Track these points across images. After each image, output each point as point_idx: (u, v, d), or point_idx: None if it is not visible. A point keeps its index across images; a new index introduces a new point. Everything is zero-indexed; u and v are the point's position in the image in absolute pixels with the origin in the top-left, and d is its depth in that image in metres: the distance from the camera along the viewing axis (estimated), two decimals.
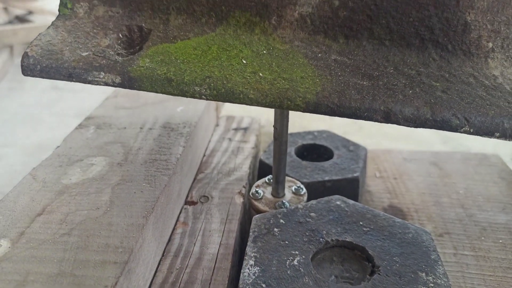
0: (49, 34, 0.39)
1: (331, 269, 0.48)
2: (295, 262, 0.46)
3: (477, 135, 0.36)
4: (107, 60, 0.37)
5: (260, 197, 0.56)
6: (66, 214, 0.45)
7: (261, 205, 0.55)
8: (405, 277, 0.45)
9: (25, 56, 0.38)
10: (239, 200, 0.59)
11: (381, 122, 0.36)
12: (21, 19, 2.94)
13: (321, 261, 0.48)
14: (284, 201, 0.56)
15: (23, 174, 1.39)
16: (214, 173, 0.66)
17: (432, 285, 0.44)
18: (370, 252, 0.48)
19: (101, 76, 0.36)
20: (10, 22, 2.84)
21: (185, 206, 0.58)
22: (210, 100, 0.36)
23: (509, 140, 0.37)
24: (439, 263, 0.47)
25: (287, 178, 0.60)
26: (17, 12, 2.93)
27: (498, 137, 0.37)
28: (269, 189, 0.58)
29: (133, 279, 0.41)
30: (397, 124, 0.36)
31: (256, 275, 0.44)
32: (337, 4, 0.38)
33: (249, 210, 0.59)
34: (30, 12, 3.01)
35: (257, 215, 0.52)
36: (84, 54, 0.37)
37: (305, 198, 0.58)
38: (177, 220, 0.55)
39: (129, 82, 0.36)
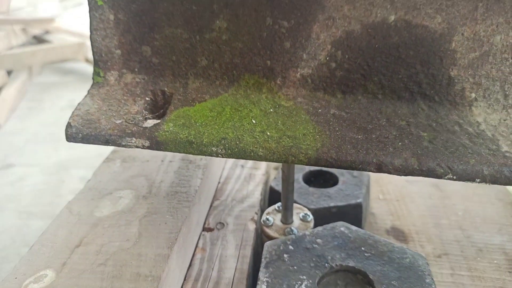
0: (86, 104, 0.45)
1: None
2: (303, 287, 0.51)
3: (460, 181, 0.42)
4: (137, 127, 0.43)
5: (270, 224, 0.62)
6: (101, 246, 0.51)
7: (271, 232, 0.61)
8: None
9: (68, 126, 0.44)
10: (251, 226, 0.65)
11: (374, 172, 0.42)
12: (38, 39, 3.05)
13: (326, 285, 0.54)
14: (292, 227, 0.61)
15: (46, 194, 1.46)
16: (228, 200, 0.72)
17: None
18: (370, 277, 0.53)
19: (133, 141, 0.43)
20: (28, 42, 2.95)
21: (203, 233, 0.64)
22: (225, 158, 0.42)
23: (489, 184, 0.42)
24: (433, 286, 0.52)
25: (295, 205, 0.66)
26: (35, 32, 3.04)
27: (479, 182, 0.42)
28: (279, 216, 0.64)
29: None
30: (388, 173, 0.42)
31: None
32: (334, 66, 0.44)
33: (261, 235, 0.65)
34: (47, 32, 3.11)
35: (268, 242, 0.57)
36: (118, 122, 0.43)
37: (312, 224, 0.64)
38: (196, 246, 0.61)
39: (156, 145, 0.42)
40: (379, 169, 0.41)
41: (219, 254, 0.60)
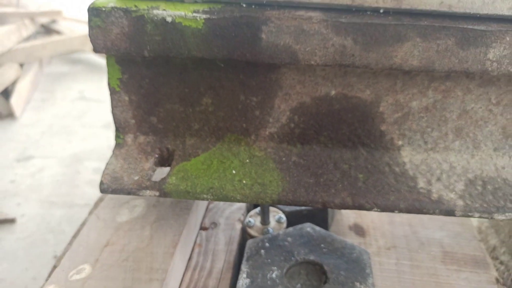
0: (112, 163, 0.61)
1: (298, 279, 0.70)
2: (273, 275, 0.69)
3: (383, 212, 0.58)
4: (150, 181, 0.59)
5: (252, 225, 0.79)
6: (123, 246, 0.68)
7: (252, 232, 0.79)
8: (346, 285, 0.67)
9: (101, 183, 0.60)
10: (238, 226, 0.82)
11: (320, 208, 0.58)
12: (46, 27, 3.18)
13: (292, 274, 0.71)
14: (269, 228, 0.79)
15: (64, 184, 1.65)
16: (220, 203, 0.89)
17: None
18: (325, 268, 0.70)
19: (147, 193, 0.59)
20: (36, 31, 3.07)
21: (200, 231, 0.81)
22: (213, 201, 0.58)
23: (405, 213, 0.59)
24: (370, 275, 0.69)
25: (271, 208, 0.83)
26: (42, 21, 3.16)
27: (397, 212, 0.59)
28: (259, 218, 0.81)
29: None
30: (330, 208, 0.58)
31: (247, 284, 0.67)
32: (293, 126, 0.60)
33: (245, 233, 0.82)
34: (54, 21, 3.23)
35: (250, 240, 0.74)
36: (136, 178, 0.59)
37: (285, 225, 0.81)
38: (195, 242, 0.79)
39: (164, 195, 0.59)
40: (324, 206, 0.58)
41: (213, 249, 0.78)
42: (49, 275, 0.74)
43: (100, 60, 2.86)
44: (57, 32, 3.03)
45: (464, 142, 0.62)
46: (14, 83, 2.30)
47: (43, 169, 1.71)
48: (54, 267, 0.76)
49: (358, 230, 0.91)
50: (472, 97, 0.57)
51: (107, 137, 1.89)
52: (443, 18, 0.49)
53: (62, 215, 1.43)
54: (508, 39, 0.48)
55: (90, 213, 0.84)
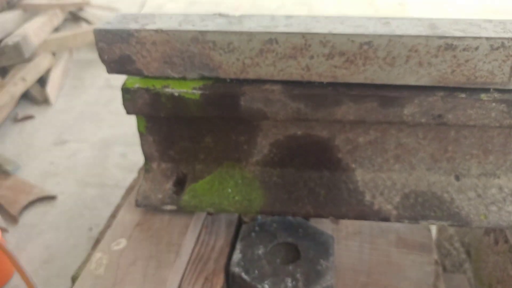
0: (143, 185, 0.85)
1: (278, 256, 0.94)
2: (260, 252, 0.93)
3: (337, 219, 0.80)
4: (170, 198, 0.83)
5: None
6: (149, 225, 0.93)
7: (246, 218, 1.02)
8: (313, 261, 0.91)
9: (136, 200, 0.85)
10: (236, 213, 1.06)
11: (291, 217, 0.81)
12: (74, 15, 3.41)
13: (274, 251, 0.95)
14: (259, 216, 1.02)
15: (95, 167, 1.92)
16: None
17: (324, 266, 0.90)
18: (299, 248, 0.93)
19: (168, 208, 0.82)
20: (65, 18, 3.31)
21: (207, 216, 1.05)
22: (214, 212, 0.81)
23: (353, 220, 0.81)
24: (332, 255, 0.92)
25: None
26: (71, 9, 3.38)
27: (347, 220, 0.81)
28: None
29: (182, 259, 0.89)
30: (298, 217, 0.80)
31: (239, 258, 0.91)
32: (272, 155, 0.82)
33: (241, 219, 1.06)
34: (81, 9, 3.46)
35: (244, 225, 0.98)
36: (160, 196, 0.83)
37: None
38: (202, 224, 1.03)
39: (180, 209, 0.82)
40: (293, 215, 0.81)
41: (216, 230, 1.02)
42: (94, 246, 1.00)
43: None
44: (85, 20, 3.26)
45: (402, 165, 0.84)
46: (48, 71, 2.55)
47: (77, 153, 1.97)
48: (98, 240, 1.01)
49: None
50: (404, 134, 0.79)
51: (132, 125, 2.14)
52: (369, 87, 0.70)
53: (95, 193, 1.69)
54: (416, 101, 0.69)
55: (123, 198, 1.09)
